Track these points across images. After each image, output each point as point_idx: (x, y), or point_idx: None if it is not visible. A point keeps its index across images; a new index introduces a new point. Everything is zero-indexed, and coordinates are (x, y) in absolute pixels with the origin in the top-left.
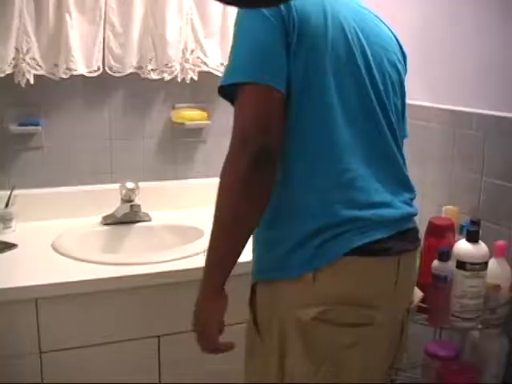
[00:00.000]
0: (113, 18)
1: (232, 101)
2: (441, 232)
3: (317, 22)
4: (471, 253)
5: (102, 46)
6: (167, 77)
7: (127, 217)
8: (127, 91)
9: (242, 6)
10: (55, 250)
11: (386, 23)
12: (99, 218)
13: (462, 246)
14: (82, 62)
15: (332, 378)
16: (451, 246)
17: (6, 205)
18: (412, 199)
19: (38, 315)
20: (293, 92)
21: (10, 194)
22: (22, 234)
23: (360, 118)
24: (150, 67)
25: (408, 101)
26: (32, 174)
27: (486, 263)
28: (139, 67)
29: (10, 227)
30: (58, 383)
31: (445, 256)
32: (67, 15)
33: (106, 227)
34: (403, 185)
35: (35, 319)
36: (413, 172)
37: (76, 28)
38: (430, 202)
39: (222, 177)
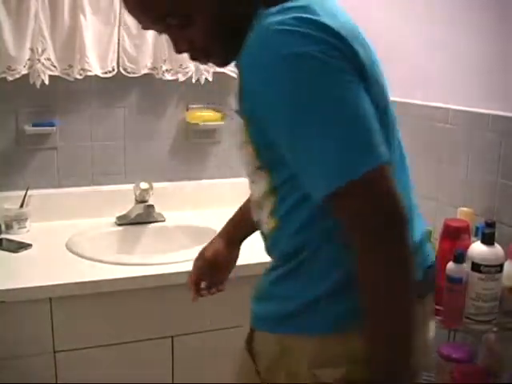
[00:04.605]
0: (127, 19)
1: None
2: (456, 234)
3: (364, 52)
4: (486, 255)
5: (116, 47)
6: (181, 77)
7: (141, 217)
8: (141, 92)
9: None
10: (69, 250)
11: None
12: (113, 219)
13: (477, 248)
14: (96, 62)
15: None
16: (466, 248)
17: (21, 205)
18: None
19: (52, 315)
20: None
21: (25, 194)
22: (36, 234)
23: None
24: (164, 68)
25: (424, 102)
26: (46, 174)
27: (502, 265)
28: (153, 68)
29: (24, 227)
30: (71, 383)
31: (460, 258)
32: (82, 16)
33: (119, 227)
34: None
35: (49, 319)
36: (428, 173)
37: (91, 29)
38: (445, 204)
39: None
